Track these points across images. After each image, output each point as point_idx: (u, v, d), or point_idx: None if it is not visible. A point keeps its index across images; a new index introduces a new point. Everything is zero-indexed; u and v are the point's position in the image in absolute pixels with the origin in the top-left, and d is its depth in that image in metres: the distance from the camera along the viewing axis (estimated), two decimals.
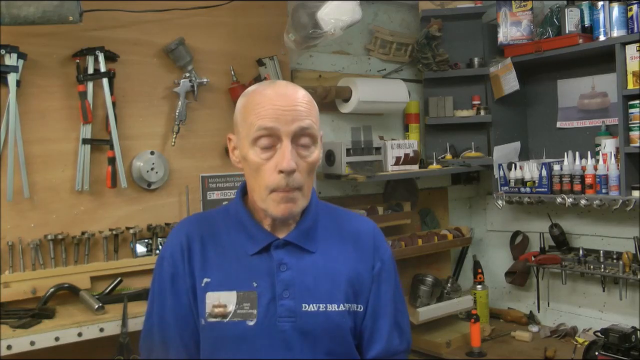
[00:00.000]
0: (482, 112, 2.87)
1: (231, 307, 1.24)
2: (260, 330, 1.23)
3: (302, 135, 1.22)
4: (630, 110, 2.35)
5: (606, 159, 2.43)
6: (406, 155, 2.65)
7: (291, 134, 1.20)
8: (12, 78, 1.83)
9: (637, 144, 2.31)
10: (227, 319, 1.24)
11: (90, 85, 1.99)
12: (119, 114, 2.04)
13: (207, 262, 1.29)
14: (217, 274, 1.27)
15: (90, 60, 1.98)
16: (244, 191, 1.36)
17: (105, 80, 1.99)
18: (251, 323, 1.23)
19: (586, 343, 2.46)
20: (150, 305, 1.33)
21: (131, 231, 2.04)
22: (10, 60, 1.83)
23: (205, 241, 1.31)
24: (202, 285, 1.27)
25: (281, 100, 1.22)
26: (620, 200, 2.36)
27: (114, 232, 2.00)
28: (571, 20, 2.56)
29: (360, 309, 1.31)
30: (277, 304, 1.24)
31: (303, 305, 1.25)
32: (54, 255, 1.91)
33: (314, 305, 1.25)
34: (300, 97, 1.25)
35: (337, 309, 1.27)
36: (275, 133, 1.20)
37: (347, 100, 2.65)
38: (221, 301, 1.25)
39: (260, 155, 1.21)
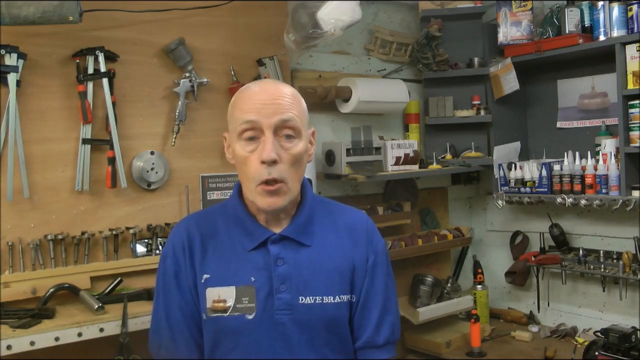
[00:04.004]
0: (482, 112, 2.87)
1: (230, 302, 1.28)
2: (259, 323, 1.27)
3: (284, 128, 1.26)
4: (630, 110, 2.34)
5: (606, 159, 2.43)
6: (406, 155, 2.65)
7: (272, 126, 1.24)
8: (12, 78, 1.82)
9: (637, 144, 2.31)
10: (227, 314, 1.28)
11: (90, 85, 1.99)
12: (119, 114, 2.04)
13: (206, 259, 1.32)
14: (216, 270, 1.31)
15: (90, 60, 1.98)
16: (241, 189, 1.39)
17: (105, 80, 1.99)
18: (250, 317, 1.27)
19: (586, 343, 2.46)
20: (156, 303, 1.36)
21: (131, 231, 2.04)
22: (10, 60, 1.83)
23: (205, 238, 1.34)
24: (202, 281, 1.31)
25: (263, 94, 1.27)
26: (620, 200, 2.36)
27: (114, 232, 2.00)
28: (571, 20, 2.56)
29: (354, 299, 1.35)
30: (275, 297, 1.28)
31: (300, 298, 1.29)
32: (54, 255, 1.91)
33: (311, 297, 1.29)
34: (283, 91, 1.29)
35: (333, 301, 1.31)
36: (257, 126, 1.24)
37: (347, 100, 2.65)
38: (221, 296, 1.29)
39: (245, 148, 1.26)
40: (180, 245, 1.33)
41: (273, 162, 1.23)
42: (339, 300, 1.31)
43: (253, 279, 1.28)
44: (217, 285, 1.29)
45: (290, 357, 1.28)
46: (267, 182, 1.24)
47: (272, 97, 1.26)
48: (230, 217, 1.36)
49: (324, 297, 1.30)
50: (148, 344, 1.37)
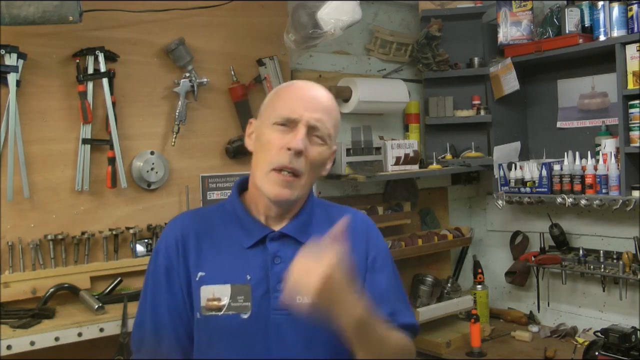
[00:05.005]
0: (482, 112, 2.87)
1: (225, 300, 1.25)
2: (255, 322, 1.25)
3: (318, 129, 1.27)
4: (630, 110, 2.34)
5: (606, 159, 2.43)
6: (406, 155, 2.65)
7: (308, 124, 1.25)
8: (12, 78, 1.83)
9: (637, 144, 2.31)
10: (222, 312, 1.25)
11: (90, 85, 1.99)
12: (119, 114, 2.04)
13: (201, 256, 1.30)
14: (211, 268, 1.29)
15: (90, 60, 1.98)
16: (240, 187, 1.38)
17: (105, 80, 1.99)
18: (245, 316, 1.25)
19: (586, 343, 2.46)
20: (143, 298, 1.33)
21: (131, 231, 2.04)
22: (10, 60, 1.83)
23: (200, 235, 1.32)
24: (197, 279, 1.28)
25: (310, 93, 1.30)
26: (620, 200, 2.36)
27: (114, 232, 2.00)
28: (571, 20, 2.56)
29: None
30: (271, 296, 1.25)
31: (297, 297, 1.25)
32: (54, 255, 1.91)
33: (308, 297, 1.26)
34: (327, 97, 1.32)
35: None
36: (295, 119, 1.25)
37: (347, 100, 2.65)
38: (215, 294, 1.26)
39: (275, 134, 1.26)
40: (174, 242, 1.31)
41: (298, 153, 1.23)
42: None
43: (249, 277, 1.26)
44: (212, 283, 1.27)
45: (286, 358, 1.25)
46: (283, 171, 1.24)
47: (316, 98, 1.29)
48: (228, 215, 1.35)
49: None
50: (130, 340, 1.33)
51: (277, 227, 1.32)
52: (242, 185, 1.39)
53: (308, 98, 1.28)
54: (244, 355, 1.25)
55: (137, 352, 1.31)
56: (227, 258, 1.29)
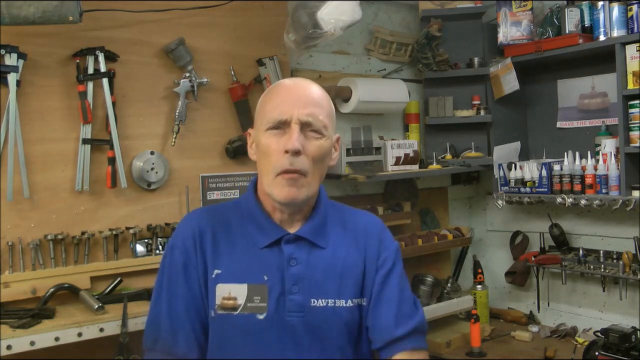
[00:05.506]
0: (482, 112, 2.87)
1: (241, 300, 1.25)
2: (270, 324, 1.25)
3: (312, 125, 1.27)
4: (630, 110, 2.34)
5: (606, 159, 2.43)
6: (406, 155, 2.65)
7: (300, 121, 1.25)
8: (12, 78, 1.83)
9: (637, 144, 2.31)
10: (237, 312, 1.25)
11: (90, 85, 1.99)
12: (119, 114, 2.04)
13: (218, 254, 1.29)
14: (228, 266, 1.28)
15: (90, 60, 1.98)
16: (256, 187, 1.38)
17: (105, 80, 1.99)
18: (261, 317, 1.25)
19: (586, 343, 2.45)
20: (157, 294, 1.32)
21: (131, 231, 2.04)
22: (10, 60, 1.83)
23: (216, 232, 1.32)
24: (213, 276, 1.27)
25: (296, 90, 1.29)
26: (620, 200, 2.36)
27: (114, 232, 2.00)
28: (571, 20, 2.56)
29: (365, 302, 1.33)
30: (287, 298, 1.25)
31: (312, 300, 1.27)
32: (54, 255, 1.91)
33: (323, 300, 1.27)
34: (314, 90, 1.32)
35: (345, 305, 1.28)
36: (286, 119, 1.25)
37: (347, 100, 2.65)
38: (231, 293, 1.26)
39: (271, 139, 1.26)
40: (191, 237, 1.30)
41: (296, 153, 1.23)
42: (351, 304, 1.29)
43: (266, 278, 1.26)
44: (229, 281, 1.26)
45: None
46: (287, 172, 1.24)
47: (303, 94, 1.29)
48: (243, 213, 1.34)
49: (337, 300, 1.28)
50: (143, 337, 1.32)
51: (291, 229, 1.31)
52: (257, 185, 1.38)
53: (295, 96, 1.28)
54: (257, 356, 1.25)
55: (150, 351, 1.29)
56: (243, 257, 1.29)
